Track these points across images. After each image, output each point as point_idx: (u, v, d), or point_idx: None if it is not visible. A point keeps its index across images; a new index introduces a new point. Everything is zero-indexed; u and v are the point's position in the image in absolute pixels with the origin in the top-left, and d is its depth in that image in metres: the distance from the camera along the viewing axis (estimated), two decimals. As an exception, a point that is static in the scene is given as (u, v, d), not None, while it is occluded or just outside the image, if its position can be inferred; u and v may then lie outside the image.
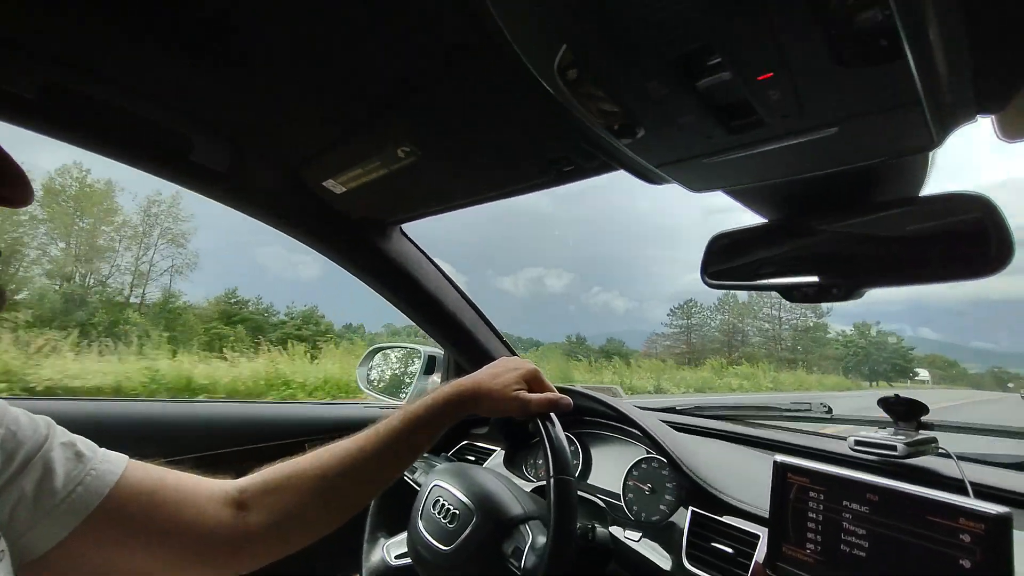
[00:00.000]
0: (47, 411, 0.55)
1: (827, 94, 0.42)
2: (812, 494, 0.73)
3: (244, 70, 0.66)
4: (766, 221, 0.69)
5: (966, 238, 0.50)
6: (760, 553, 0.77)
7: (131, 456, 0.61)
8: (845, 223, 0.60)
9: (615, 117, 0.50)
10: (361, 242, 1.08)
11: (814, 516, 0.72)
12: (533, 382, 0.80)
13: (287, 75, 0.66)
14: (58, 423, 0.56)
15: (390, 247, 1.12)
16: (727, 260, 0.74)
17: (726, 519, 0.85)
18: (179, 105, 0.77)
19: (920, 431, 0.92)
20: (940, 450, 0.87)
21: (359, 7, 0.53)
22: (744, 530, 0.82)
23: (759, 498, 0.85)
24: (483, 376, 0.79)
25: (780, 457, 0.78)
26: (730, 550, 0.80)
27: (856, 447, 0.90)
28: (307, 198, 0.98)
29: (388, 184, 0.87)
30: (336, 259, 1.11)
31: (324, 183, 0.91)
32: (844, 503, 0.70)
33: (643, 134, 0.52)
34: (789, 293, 0.62)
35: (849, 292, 0.57)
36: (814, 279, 0.60)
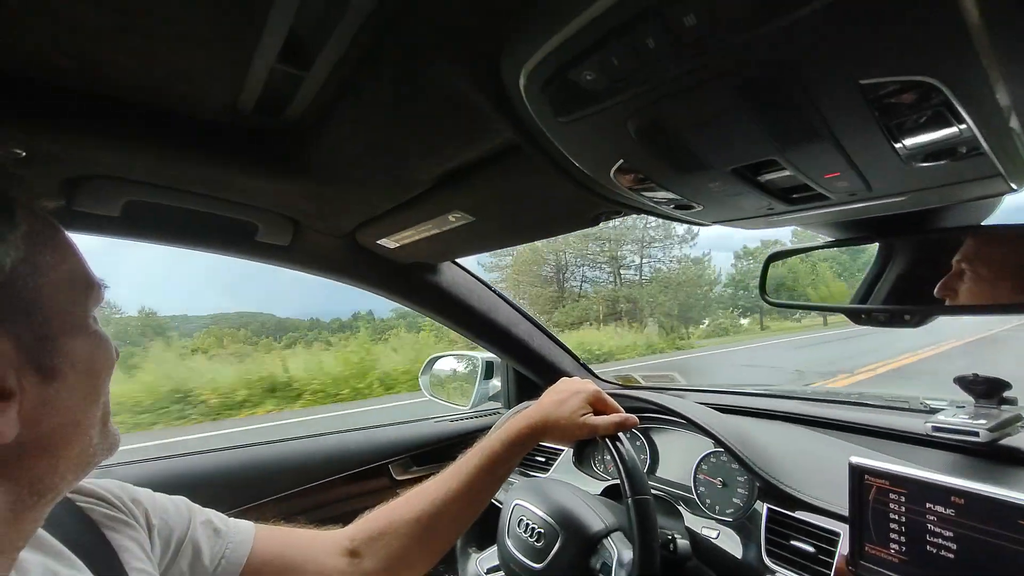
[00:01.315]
0: (141, 476, 0.62)
1: (896, 179, 0.41)
2: (893, 495, 0.74)
3: (308, 166, 0.70)
4: (828, 240, 0.68)
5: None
6: (843, 551, 0.79)
7: (230, 505, 0.68)
8: (914, 245, 0.58)
9: (672, 200, 0.50)
10: (413, 281, 1.13)
11: (896, 518, 0.73)
12: (597, 403, 0.83)
13: (346, 164, 0.70)
14: (156, 487, 0.62)
15: (441, 280, 1.17)
16: (788, 278, 0.73)
17: (802, 515, 0.87)
18: (248, 201, 0.83)
19: (1003, 407, 0.89)
20: None
21: (420, 116, 0.56)
22: (823, 527, 0.83)
23: (835, 492, 0.85)
24: (549, 405, 0.82)
25: (855, 459, 0.78)
26: (811, 548, 0.82)
27: (935, 433, 0.89)
28: (361, 255, 1.03)
29: (438, 239, 0.91)
30: (391, 298, 1.16)
31: (378, 241, 0.95)
32: (928, 505, 0.70)
33: (700, 208, 0.52)
34: (857, 317, 0.61)
35: (924, 319, 0.55)
36: (884, 304, 0.59)
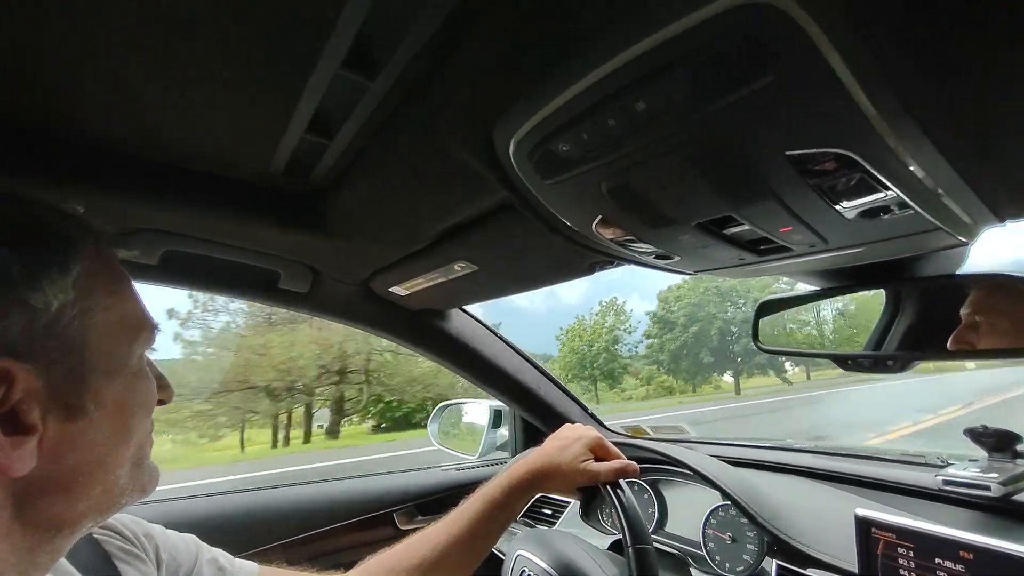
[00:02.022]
0: (155, 515, 0.64)
1: (846, 233, 0.45)
2: (901, 550, 0.72)
3: (328, 221, 0.78)
4: (815, 289, 0.71)
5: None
6: (855, 611, 0.76)
7: (236, 549, 0.69)
8: (895, 294, 0.61)
9: (652, 251, 0.55)
10: (423, 327, 1.18)
11: (905, 574, 0.71)
12: (598, 450, 0.83)
13: (362, 219, 0.78)
14: (168, 526, 0.64)
15: (450, 327, 1.21)
16: (779, 325, 0.75)
17: (812, 572, 0.85)
18: (273, 252, 0.90)
19: (1017, 460, 0.87)
20: None
21: (429, 177, 0.62)
22: None
23: (845, 548, 0.83)
24: (551, 450, 0.83)
25: (861, 511, 0.77)
26: (822, 608, 0.79)
27: (946, 487, 0.87)
28: (375, 302, 1.09)
29: (445, 287, 0.97)
30: (403, 344, 1.21)
31: (390, 289, 1.01)
32: (936, 560, 0.69)
33: (678, 259, 0.56)
34: (844, 363, 0.63)
35: (905, 364, 0.57)
36: (870, 351, 0.61)
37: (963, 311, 0.58)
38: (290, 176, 0.67)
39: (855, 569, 0.77)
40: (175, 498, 1.07)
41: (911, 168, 0.34)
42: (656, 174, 0.41)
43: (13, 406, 0.34)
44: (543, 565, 0.89)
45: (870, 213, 0.40)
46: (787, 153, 0.35)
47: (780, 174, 0.37)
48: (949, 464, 0.94)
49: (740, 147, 0.36)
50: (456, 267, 0.85)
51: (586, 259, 0.76)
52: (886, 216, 0.41)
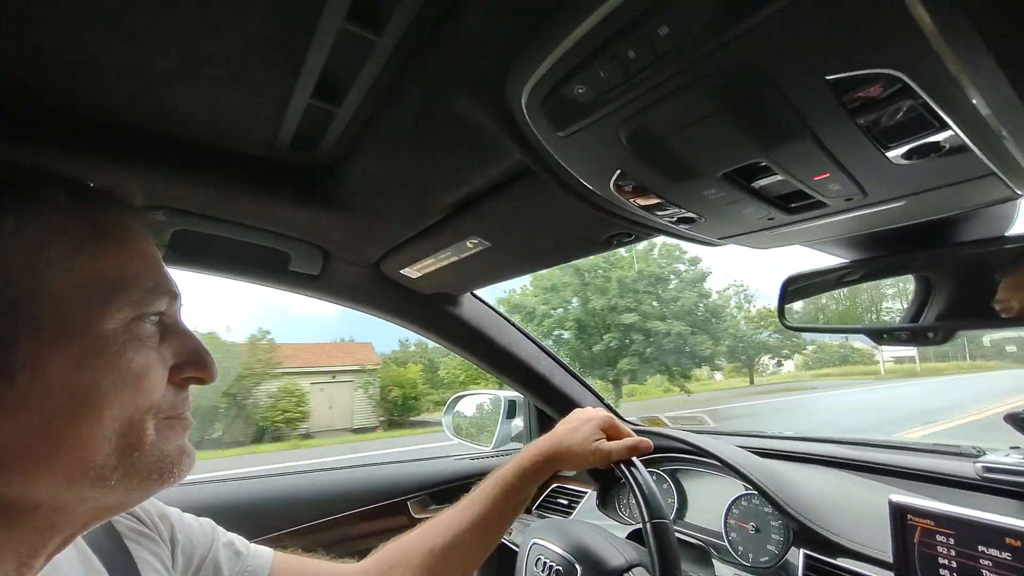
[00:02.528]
0: (170, 499, 0.63)
1: (888, 180, 0.42)
2: (940, 538, 0.68)
3: (338, 197, 0.76)
4: (844, 261, 0.67)
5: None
6: (889, 602, 0.73)
7: (250, 534, 0.69)
8: (933, 262, 0.57)
9: (674, 212, 0.52)
10: (436, 312, 1.17)
11: (946, 563, 0.67)
12: (609, 429, 0.81)
13: (372, 194, 0.76)
14: (185, 510, 0.63)
15: (462, 312, 1.19)
16: (807, 301, 0.72)
17: (843, 562, 0.81)
18: (283, 231, 0.89)
19: (1063, 447, 0.82)
20: None
21: (438, 145, 0.60)
22: (865, 575, 0.77)
23: (877, 538, 0.79)
24: (562, 433, 0.81)
25: (896, 497, 0.73)
26: (854, 599, 0.75)
27: (986, 474, 0.83)
28: (386, 285, 1.08)
29: (457, 267, 0.94)
30: (415, 329, 1.19)
31: (401, 271, 0.99)
32: (980, 548, 0.65)
33: (702, 221, 0.53)
34: (879, 337, 0.59)
35: (948, 335, 0.54)
36: (904, 322, 0.57)
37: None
38: (298, 150, 0.66)
39: (889, 559, 0.73)
40: (191, 482, 1.07)
41: (973, 101, 0.31)
42: (679, 113, 0.38)
43: None
44: (559, 551, 0.87)
45: (918, 153, 0.37)
46: (827, 78, 0.32)
47: (818, 104, 0.34)
48: (986, 453, 0.89)
49: (774, 73, 0.33)
50: (468, 244, 0.83)
51: (604, 230, 0.73)
52: (936, 158, 0.37)
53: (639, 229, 0.69)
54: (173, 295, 0.44)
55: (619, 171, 0.47)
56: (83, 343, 0.38)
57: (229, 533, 0.66)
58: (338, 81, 0.52)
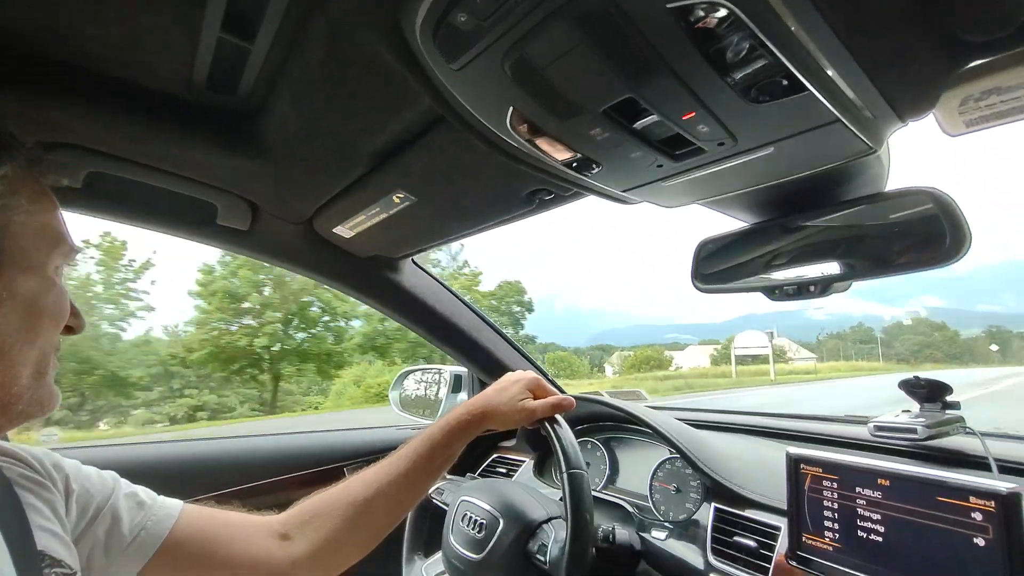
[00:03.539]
0: (96, 459, 0.63)
1: (750, 124, 0.46)
2: (826, 483, 0.75)
3: (262, 145, 0.75)
4: (747, 225, 0.72)
5: (923, 231, 0.52)
6: (782, 544, 0.79)
7: (181, 496, 0.68)
8: (815, 222, 0.62)
9: (571, 156, 0.55)
10: (373, 277, 1.16)
11: (830, 504, 0.73)
12: (537, 390, 0.84)
13: (295, 143, 0.75)
14: (116, 470, 0.63)
15: (402, 279, 1.19)
16: (715, 264, 0.76)
17: (748, 513, 0.87)
18: (206, 180, 0.86)
19: (946, 411, 0.91)
20: (967, 429, 0.86)
21: (352, 89, 0.61)
22: (765, 523, 0.83)
23: (779, 490, 0.86)
24: (491, 393, 0.83)
25: (793, 449, 0.79)
26: (752, 543, 0.81)
27: (877, 433, 0.90)
28: (320, 244, 1.06)
29: (389, 225, 0.94)
30: (353, 294, 1.19)
31: (334, 230, 0.99)
32: (857, 489, 0.71)
33: (600, 168, 0.56)
34: (772, 293, 0.64)
35: (824, 289, 0.59)
36: (793, 278, 0.62)
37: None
38: (216, 91, 0.64)
39: (785, 506, 0.80)
40: (116, 443, 1.04)
41: (793, 29, 0.35)
42: (550, 44, 0.40)
43: None
44: (485, 507, 0.89)
45: (766, 92, 0.40)
46: (667, 6, 0.35)
47: (669, 36, 0.37)
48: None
49: (622, 2, 0.35)
50: (395, 199, 0.83)
51: (523, 186, 0.75)
52: (786, 102, 0.41)
53: (554, 183, 0.71)
54: (75, 253, 0.50)
55: (511, 108, 0.49)
56: (40, 280, 0.44)
57: (135, 486, 0.64)
58: (246, 15, 0.51)
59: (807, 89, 0.39)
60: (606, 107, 0.46)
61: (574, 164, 0.56)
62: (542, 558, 0.77)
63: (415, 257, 1.21)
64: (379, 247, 1.09)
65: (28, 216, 0.43)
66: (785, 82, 0.39)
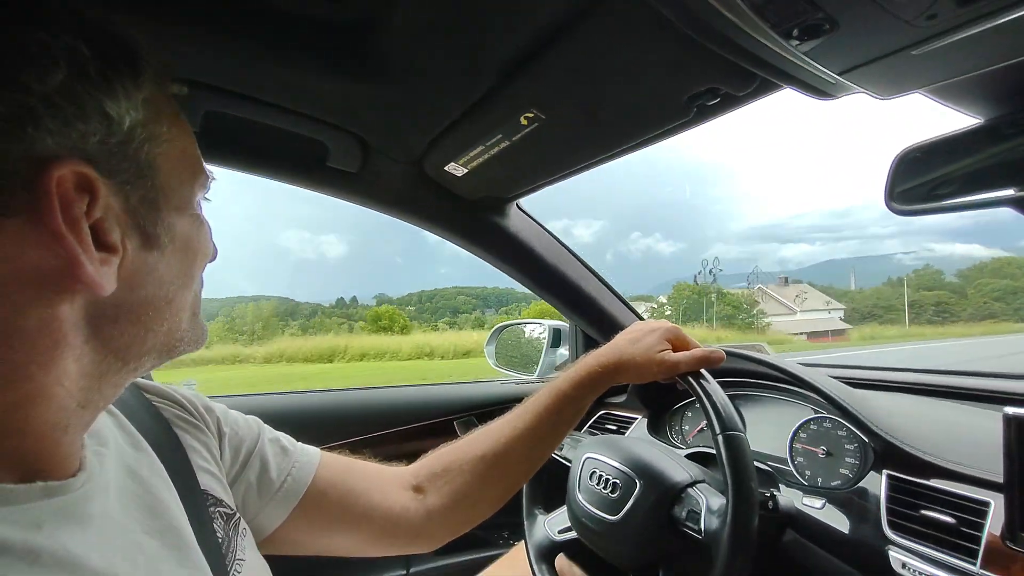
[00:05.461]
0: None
1: None
2: (1067, 452, 0.59)
3: (377, 65, 0.69)
4: (976, 123, 0.54)
5: None
6: (993, 524, 0.65)
7: (312, 444, 0.68)
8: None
9: (801, 15, 0.41)
10: (481, 222, 1.10)
11: (1073, 479, 0.58)
12: (676, 341, 0.76)
13: (415, 56, 0.68)
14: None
15: (509, 224, 1.12)
16: (918, 178, 0.60)
17: (935, 483, 0.73)
18: (318, 115, 0.82)
19: None
20: None
21: None
22: (966, 496, 0.69)
23: (977, 458, 0.71)
24: (623, 343, 0.76)
25: (1011, 409, 0.64)
26: (951, 519, 0.68)
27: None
28: (429, 188, 1.01)
29: (508, 158, 0.86)
30: (457, 241, 1.14)
31: (446, 167, 0.92)
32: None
33: (830, 36, 0.42)
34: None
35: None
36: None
37: None
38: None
39: (995, 479, 0.65)
40: (238, 395, 1.09)
41: None
42: None
43: (95, 223, 0.33)
44: (615, 464, 0.83)
45: None
46: None
47: None
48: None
49: None
50: (523, 120, 0.74)
51: (685, 87, 0.61)
52: None
53: (729, 79, 0.57)
54: (211, 181, 0.45)
55: None
56: (190, 217, 0.41)
57: (275, 431, 0.65)
58: None
59: None
60: None
61: (796, 30, 0.43)
62: (694, 526, 0.69)
63: (520, 201, 1.13)
64: (491, 187, 1.01)
65: (169, 145, 0.39)
66: None
